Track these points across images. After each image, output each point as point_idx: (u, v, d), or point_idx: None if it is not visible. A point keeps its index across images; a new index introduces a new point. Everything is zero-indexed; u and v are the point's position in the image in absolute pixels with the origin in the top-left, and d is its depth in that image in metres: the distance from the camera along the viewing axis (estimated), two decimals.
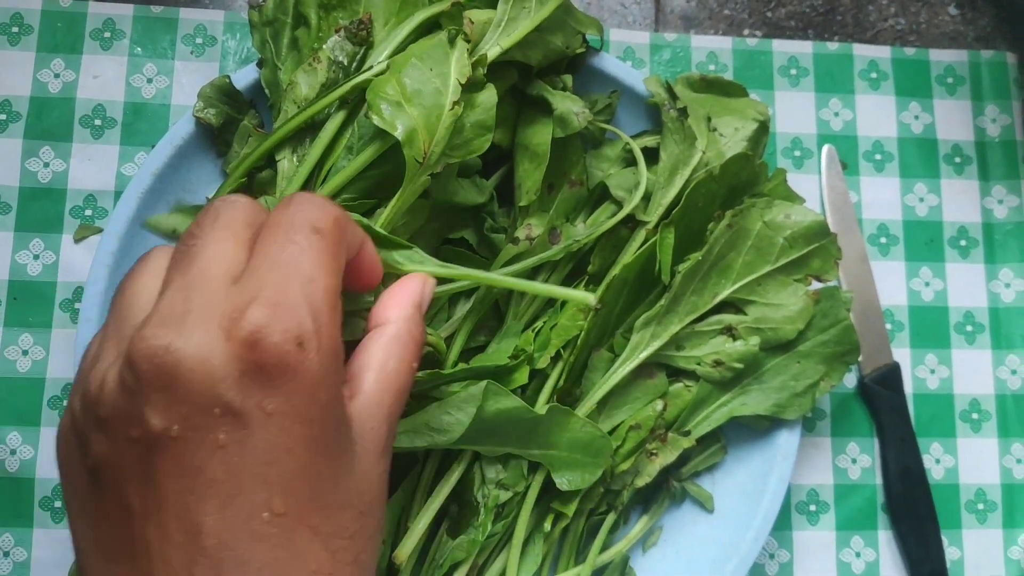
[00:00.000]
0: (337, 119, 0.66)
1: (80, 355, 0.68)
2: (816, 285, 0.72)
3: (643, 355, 0.70)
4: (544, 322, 0.70)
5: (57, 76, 0.80)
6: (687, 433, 0.72)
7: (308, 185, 0.66)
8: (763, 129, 0.73)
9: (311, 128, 0.67)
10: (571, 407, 0.69)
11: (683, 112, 0.71)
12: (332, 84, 0.67)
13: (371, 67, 0.66)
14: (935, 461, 0.81)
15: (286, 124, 0.66)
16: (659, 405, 0.71)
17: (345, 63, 0.67)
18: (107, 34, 0.81)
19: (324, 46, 0.67)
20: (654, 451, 0.71)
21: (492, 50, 0.64)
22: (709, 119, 0.72)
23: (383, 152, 0.64)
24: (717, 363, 0.70)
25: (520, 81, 0.69)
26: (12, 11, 0.80)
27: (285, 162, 0.67)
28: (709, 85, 0.76)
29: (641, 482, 0.71)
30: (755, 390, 0.72)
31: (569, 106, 0.68)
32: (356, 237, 0.50)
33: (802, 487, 0.80)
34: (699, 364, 0.71)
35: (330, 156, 0.66)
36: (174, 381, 0.40)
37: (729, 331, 0.71)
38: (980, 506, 0.81)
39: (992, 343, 0.84)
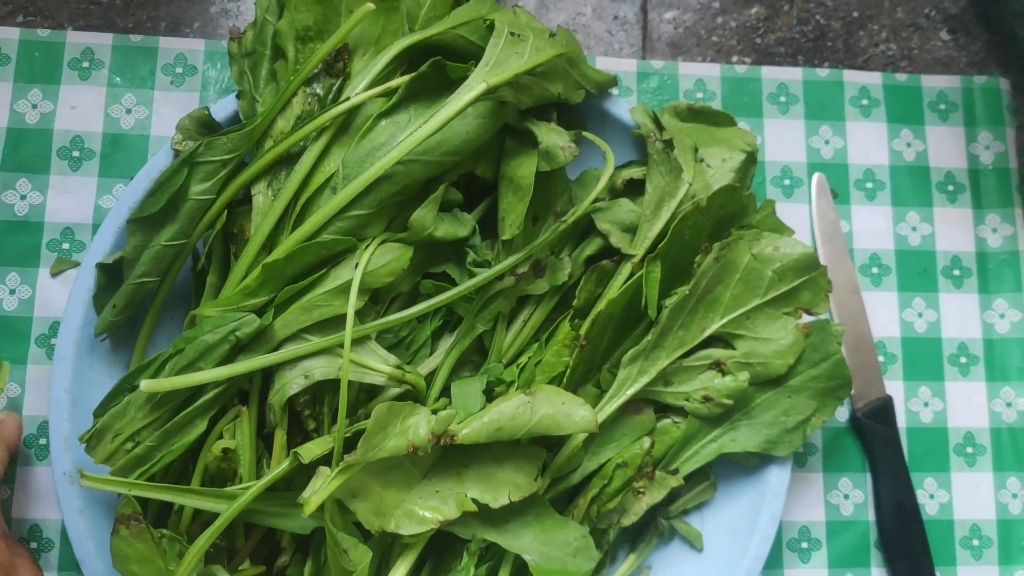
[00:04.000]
0: (314, 151, 0.65)
1: (55, 393, 0.67)
2: (806, 318, 0.70)
3: (630, 391, 0.69)
4: (529, 358, 0.69)
5: (35, 107, 0.79)
6: (675, 471, 0.70)
7: (283, 220, 0.65)
8: (751, 159, 0.72)
9: (288, 161, 0.66)
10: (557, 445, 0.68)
11: (669, 144, 0.70)
12: (308, 116, 0.66)
13: (348, 98, 0.65)
14: (929, 496, 0.80)
15: (261, 157, 0.65)
16: (646, 442, 0.69)
17: (321, 94, 0.66)
18: (86, 64, 0.80)
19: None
20: (641, 489, 0.70)
21: (477, 87, 0.63)
22: (696, 150, 0.71)
23: (367, 190, 0.63)
24: (706, 399, 0.69)
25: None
26: None
27: (260, 196, 0.66)
28: (696, 114, 0.75)
29: (628, 521, 0.70)
30: (745, 426, 0.70)
31: (555, 139, 0.67)
32: None
33: (794, 524, 0.78)
34: (687, 400, 0.70)
35: (305, 190, 0.65)
36: None
37: (718, 366, 0.69)
38: (975, 542, 0.79)
39: (986, 375, 0.82)
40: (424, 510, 0.61)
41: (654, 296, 0.67)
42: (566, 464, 0.68)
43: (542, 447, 0.65)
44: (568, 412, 0.62)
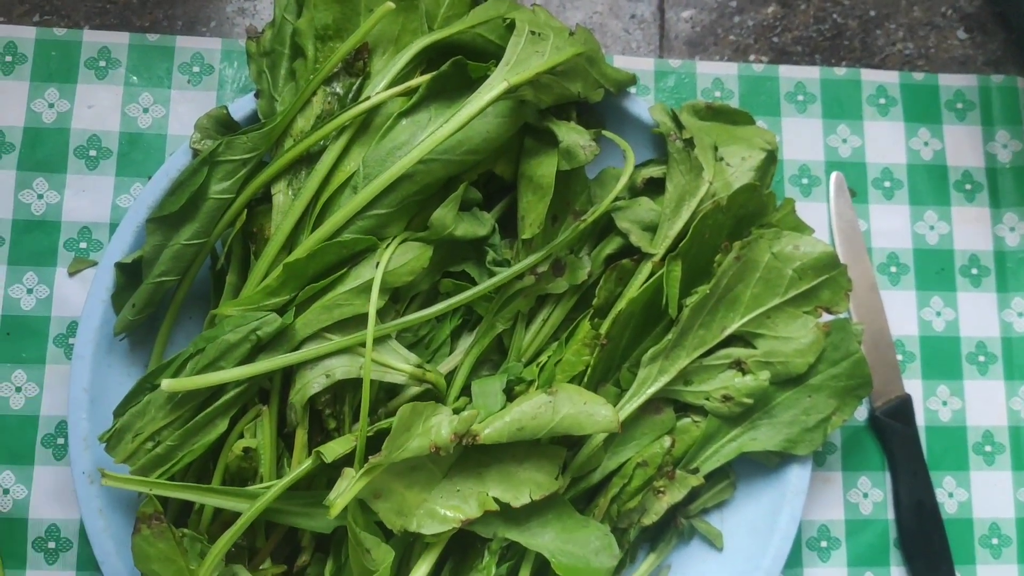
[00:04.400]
0: (334, 150, 0.65)
1: (74, 392, 0.67)
2: (826, 317, 0.70)
3: (650, 390, 0.68)
4: (549, 357, 0.69)
5: (51, 106, 0.79)
6: (695, 470, 0.70)
7: (304, 219, 0.65)
8: (771, 158, 0.72)
9: (307, 160, 0.66)
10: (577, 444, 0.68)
11: (689, 142, 0.70)
12: (328, 115, 0.66)
13: (368, 97, 0.65)
14: (948, 495, 0.80)
15: (281, 157, 0.65)
16: (667, 441, 0.69)
17: (341, 94, 0.66)
18: (102, 63, 0.80)
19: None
20: (662, 489, 0.69)
21: (498, 86, 0.63)
22: (716, 148, 0.71)
23: (388, 189, 0.63)
24: (726, 398, 0.69)
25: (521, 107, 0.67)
26: (6, 40, 0.79)
27: (280, 196, 0.66)
28: (715, 113, 0.74)
29: (648, 520, 0.69)
30: (765, 425, 0.70)
31: (575, 139, 0.67)
32: None
33: (813, 523, 0.78)
34: (708, 399, 0.69)
35: (326, 189, 0.65)
36: None
37: (738, 365, 0.69)
38: (995, 541, 0.79)
39: (1005, 373, 0.82)
40: (446, 509, 0.61)
41: (674, 295, 0.67)
42: (586, 463, 0.68)
43: (562, 446, 0.65)
44: (590, 412, 0.62)
